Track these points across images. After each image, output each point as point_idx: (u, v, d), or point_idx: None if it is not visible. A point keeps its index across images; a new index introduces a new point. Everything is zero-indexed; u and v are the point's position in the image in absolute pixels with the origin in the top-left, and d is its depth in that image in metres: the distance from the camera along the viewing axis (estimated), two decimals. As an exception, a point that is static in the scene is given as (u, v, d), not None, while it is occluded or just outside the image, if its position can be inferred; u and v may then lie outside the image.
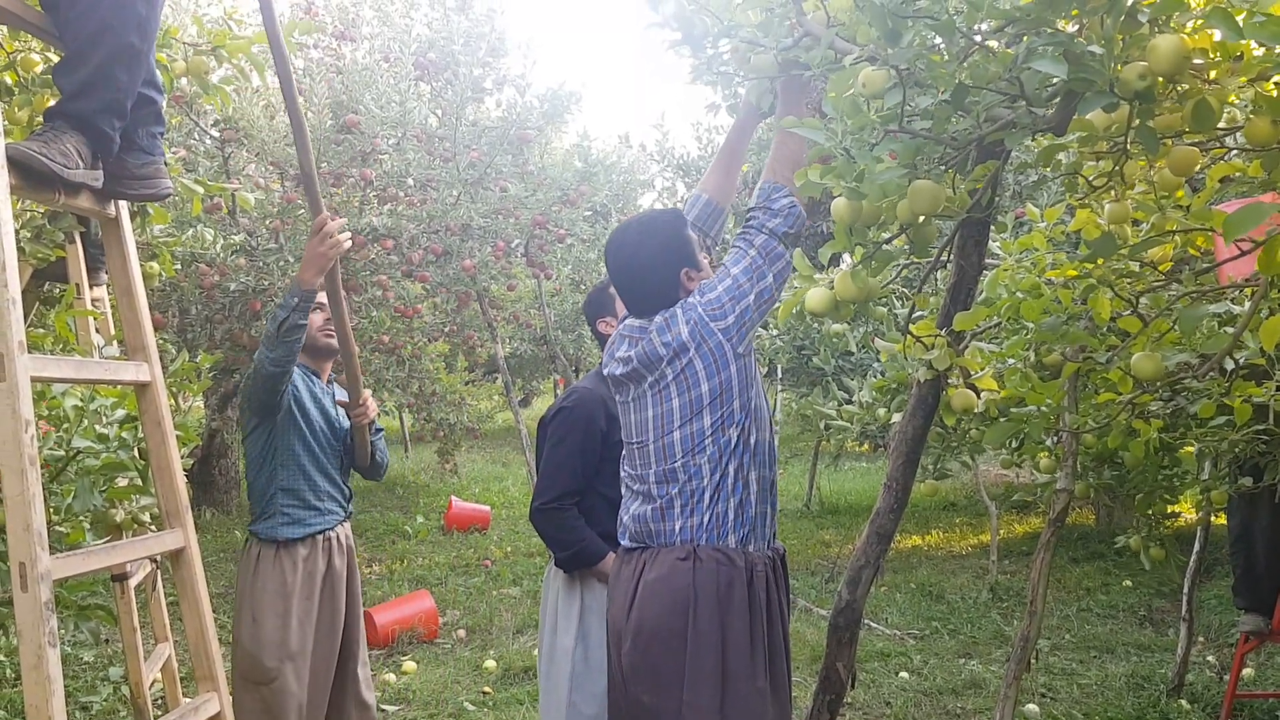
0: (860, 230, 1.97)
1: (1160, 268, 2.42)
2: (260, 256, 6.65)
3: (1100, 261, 2.28)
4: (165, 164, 2.64)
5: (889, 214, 1.94)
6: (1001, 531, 8.54)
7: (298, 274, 3.20)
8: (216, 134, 6.80)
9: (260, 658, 3.25)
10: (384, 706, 4.75)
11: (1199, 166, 2.20)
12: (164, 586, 4.07)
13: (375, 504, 11.20)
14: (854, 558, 2.51)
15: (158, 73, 2.60)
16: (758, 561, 2.40)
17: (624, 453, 2.60)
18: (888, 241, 2.00)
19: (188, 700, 2.89)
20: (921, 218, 1.90)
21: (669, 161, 10.22)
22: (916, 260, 2.51)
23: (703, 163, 10.15)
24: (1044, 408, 2.58)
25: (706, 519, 2.37)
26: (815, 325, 5.49)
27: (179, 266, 5.04)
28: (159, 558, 3.83)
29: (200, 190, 3.42)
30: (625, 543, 2.55)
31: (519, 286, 9.80)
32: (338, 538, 3.51)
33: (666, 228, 2.54)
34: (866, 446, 13.73)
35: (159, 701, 4.20)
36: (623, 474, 2.60)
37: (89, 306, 3.39)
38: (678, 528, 2.40)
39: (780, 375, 7.81)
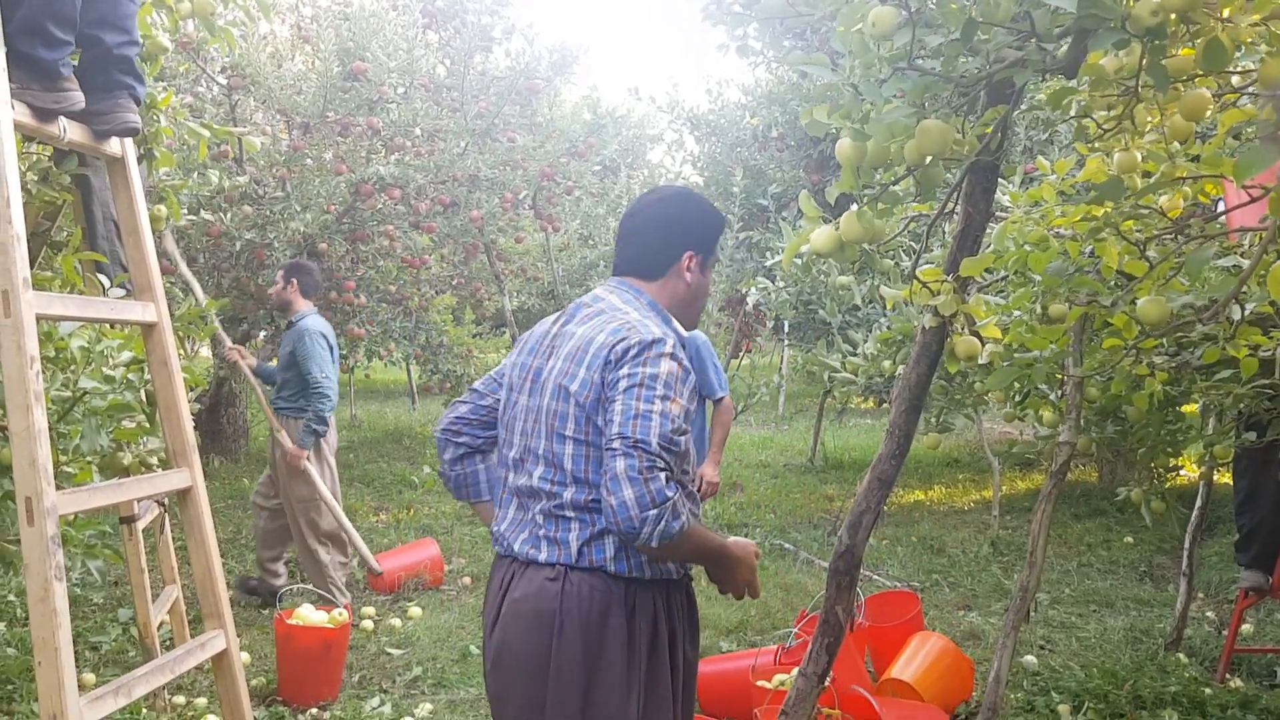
0: (867, 172, 1.95)
1: (1170, 214, 2.40)
2: (266, 204, 6.63)
3: (1108, 206, 2.26)
4: (134, 100, 2.60)
5: (896, 156, 1.92)
6: (1004, 487, 8.56)
7: None
8: (224, 81, 6.76)
9: None
10: (390, 650, 4.81)
11: (1210, 113, 2.18)
12: (171, 531, 4.12)
13: (383, 454, 11.25)
14: (855, 503, 2.51)
15: (115, 14, 2.54)
16: (645, 587, 2.09)
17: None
18: (895, 183, 1.99)
19: (195, 637, 2.93)
20: (929, 159, 1.89)
21: (679, 114, 10.07)
22: (923, 211, 2.50)
23: (713, 117, 9.98)
24: (1047, 353, 2.57)
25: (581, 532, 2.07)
26: (821, 278, 5.47)
27: (186, 212, 5.01)
28: (166, 500, 3.87)
29: (206, 134, 3.41)
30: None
31: (527, 239, 9.75)
32: None
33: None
34: (871, 403, 13.73)
35: (167, 642, 4.25)
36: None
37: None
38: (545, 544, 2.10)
39: (786, 330, 7.79)
